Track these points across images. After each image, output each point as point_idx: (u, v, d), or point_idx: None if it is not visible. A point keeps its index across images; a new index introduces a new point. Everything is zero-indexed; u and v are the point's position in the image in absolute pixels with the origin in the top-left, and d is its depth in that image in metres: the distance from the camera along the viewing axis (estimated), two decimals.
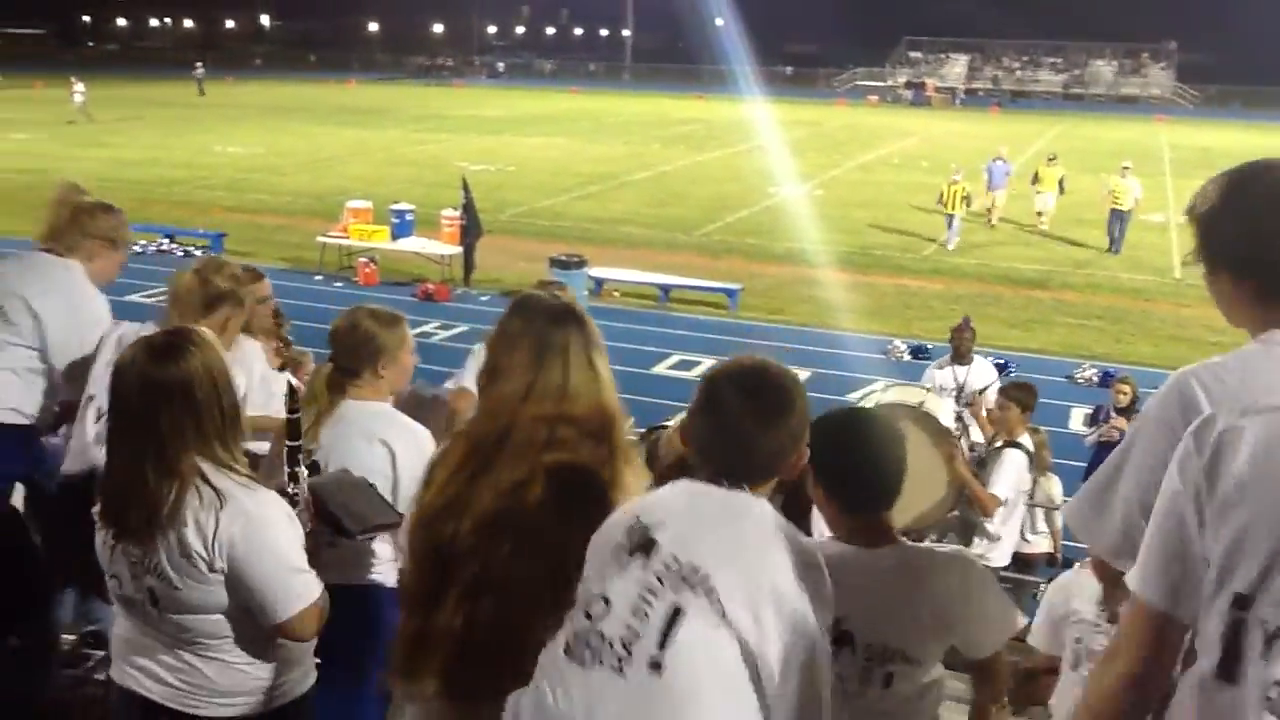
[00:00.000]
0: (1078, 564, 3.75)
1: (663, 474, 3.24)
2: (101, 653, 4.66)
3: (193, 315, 3.42)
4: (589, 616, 1.94)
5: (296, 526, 2.61)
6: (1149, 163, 34.14)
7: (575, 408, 2.30)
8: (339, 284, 16.19)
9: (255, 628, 2.57)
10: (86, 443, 3.48)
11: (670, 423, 3.54)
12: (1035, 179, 22.11)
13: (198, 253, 17.56)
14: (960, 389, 8.59)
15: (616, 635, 1.88)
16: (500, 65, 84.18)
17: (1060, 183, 21.86)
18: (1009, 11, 76.24)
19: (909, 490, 2.70)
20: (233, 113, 44.25)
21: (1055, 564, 7.38)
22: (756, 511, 1.98)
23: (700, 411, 2.07)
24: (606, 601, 1.92)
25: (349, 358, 3.31)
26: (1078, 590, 3.33)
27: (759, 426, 2.01)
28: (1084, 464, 9.11)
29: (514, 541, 2.22)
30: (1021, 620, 2.75)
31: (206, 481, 2.44)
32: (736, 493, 1.99)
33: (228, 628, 2.55)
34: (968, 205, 19.74)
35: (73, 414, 3.66)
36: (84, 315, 3.62)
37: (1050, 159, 22.47)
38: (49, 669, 4.10)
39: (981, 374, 8.83)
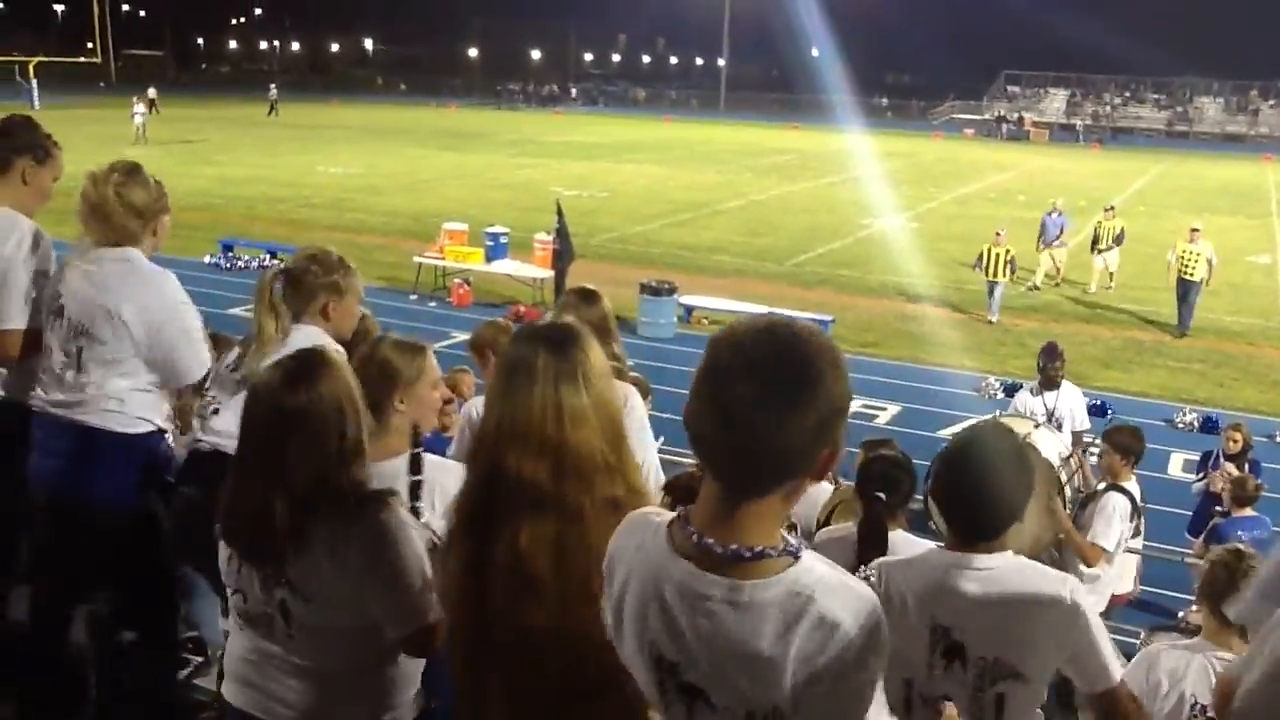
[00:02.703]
0: (1187, 622, 3.58)
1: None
2: (200, 659, 4.80)
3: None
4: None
5: (421, 545, 2.59)
6: (1256, 203, 33.27)
7: (544, 446, 2.07)
8: (433, 304, 16.47)
9: (382, 650, 2.58)
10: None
11: None
12: (1095, 239, 19.25)
13: None
14: (1050, 415, 8.57)
15: None
16: (573, 92, 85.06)
17: (1119, 235, 19.05)
18: (1110, 46, 74.95)
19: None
20: (336, 134, 45.43)
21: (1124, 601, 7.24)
22: (751, 630, 1.57)
23: (697, 394, 1.57)
24: None
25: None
26: (1195, 674, 2.91)
27: (774, 418, 1.50)
28: (1186, 511, 8.89)
29: (533, 599, 2.08)
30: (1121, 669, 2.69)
31: (336, 504, 2.47)
32: (734, 584, 1.59)
33: (357, 648, 2.55)
34: (1012, 271, 16.81)
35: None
36: (169, 311, 3.59)
37: (1108, 209, 19.63)
38: (175, 669, 4.22)
39: (1070, 400, 8.76)
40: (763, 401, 1.50)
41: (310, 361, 2.53)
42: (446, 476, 2.92)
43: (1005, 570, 2.50)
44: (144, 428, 3.61)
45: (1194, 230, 16.55)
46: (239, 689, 2.65)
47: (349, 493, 2.48)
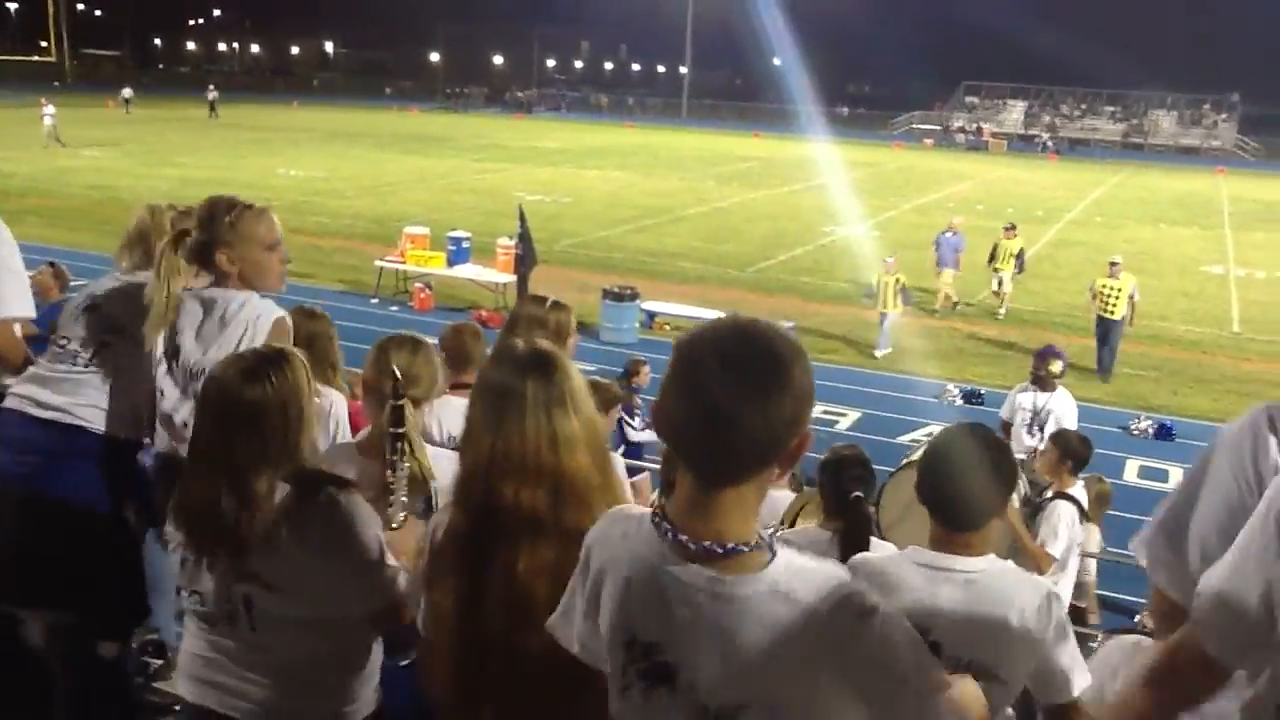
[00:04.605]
0: (1144, 626, 3.60)
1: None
2: (160, 661, 4.76)
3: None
4: None
5: (377, 525, 2.63)
6: (1209, 215, 33.87)
7: (541, 474, 2.08)
8: (394, 308, 16.39)
9: (344, 641, 2.62)
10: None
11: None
12: (993, 256, 18.15)
13: None
14: (1035, 414, 8.78)
15: None
16: (522, 95, 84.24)
17: (1019, 258, 18.01)
18: (1068, 59, 76.04)
19: None
20: (298, 136, 45.09)
21: (1083, 620, 7.24)
22: (743, 614, 1.61)
23: (673, 391, 1.63)
24: None
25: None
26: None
27: (751, 408, 1.57)
28: (1142, 516, 9.01)
29: (533, 626, 2.03)
30: (1088, 676, 2.72)
31: (295, 492, 2.51)
32: (719, 584, 1.62)
33: (320, 639, 2.56)
34: (905, 300, 15.47)
35: None
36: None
37: (1008, 228, 18.41)
38: (132, 677, 4.16)
39: (1061, 406, 8.90)
40: (740, 393, 1.56)
41: (265, 357, 2.56)
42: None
43: (988, 575, 2.54)
44: (125, 432, 3.55)
45: (1113, 264, 14.81)
46: (197, 686, 2.64)
47: (305, 480, 2.52)
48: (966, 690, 1.82)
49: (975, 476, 2.56)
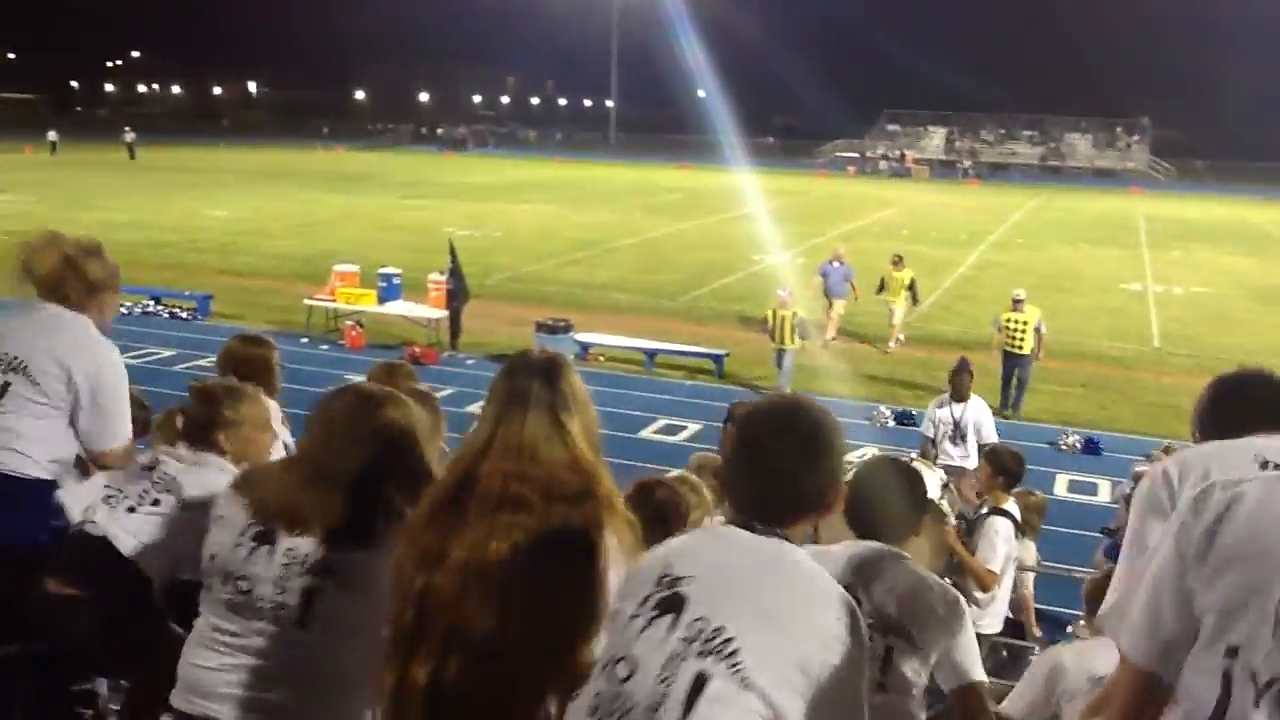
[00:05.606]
0: (1076, 638, 3.77)
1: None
2: (90, 711, 4.62)
3: None
4: (617, 678, 1.89)
5: None
6: (1127, 234, 34.84)
7: (534, 464, 2.25)
8: (325, 346, 16.20)
9: (370, 656, 2.59)
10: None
11: (672, 473, 3.59)
12: (881, 287, 17.83)
13: (184, 315, 17.64)
14: (956, 424, 9.46)
15: (643, 702, 1.83)
16: (456, 132, 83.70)
17: (911, 288, 17.64)
18: (987, 86, 78.06)
19: None
20: (222, 177, 44.53)
21: (1023, 635, 7.32)
22: (790, 561, 1.92)
23: (735, 453, 2.05)
24: (634, 663, 1.88)
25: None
26: (1081, 666, 3.24)
27: (798, 464, 1.97)
28: (1071, 530, 9.22)
29: (485, 598, 2.18)
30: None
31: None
32: (770, 540, 1.94)
33: (354, 651, 2.57)
34: (801, 335, 14.57)
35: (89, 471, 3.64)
36: (112, 371, 3.57)
37: (896, 260, 17.98)
38: None
39: (977, 413, 9.51)
40: (796, 453, 1.97)
41: (388, 393, 2.80)
42: None
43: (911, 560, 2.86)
44: (41, 473, 3.47)
45: (1017, 300, 14.20)
46: (194, 699, 2.63)
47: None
48: None
49: (890, 504, 2.89)
